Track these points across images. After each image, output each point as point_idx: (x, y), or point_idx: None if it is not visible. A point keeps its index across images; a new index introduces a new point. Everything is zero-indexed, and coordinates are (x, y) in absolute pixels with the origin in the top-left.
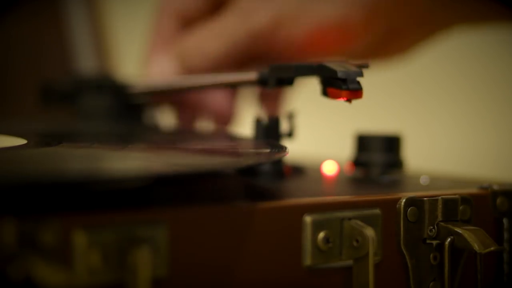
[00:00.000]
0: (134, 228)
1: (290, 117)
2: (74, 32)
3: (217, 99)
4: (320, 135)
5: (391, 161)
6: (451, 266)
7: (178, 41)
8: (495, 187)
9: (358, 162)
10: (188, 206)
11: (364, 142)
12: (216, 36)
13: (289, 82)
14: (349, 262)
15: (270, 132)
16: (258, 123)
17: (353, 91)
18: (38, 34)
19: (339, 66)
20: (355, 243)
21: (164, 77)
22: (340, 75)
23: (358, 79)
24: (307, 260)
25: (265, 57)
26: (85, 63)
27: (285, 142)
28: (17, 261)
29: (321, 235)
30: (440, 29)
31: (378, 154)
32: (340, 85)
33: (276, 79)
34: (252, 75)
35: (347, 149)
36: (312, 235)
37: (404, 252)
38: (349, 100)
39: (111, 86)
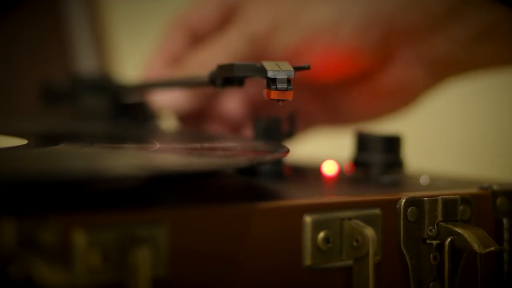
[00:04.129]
0: (134, 228)
1: (291, 117)
2: (74, 32)
3: (231, 106)
4: (320, 135)
5: (391, 161)
6: (451, 266)
7: (185, 59)
8: (495, 187)
9: (358, 162)
10: (188, 206)
11: (364, 142)
12: (218, 50)
13: (238, 82)
14: (349, 262)
15: (270, 133)
16: (258, 123)
17: (281, 92)
18: (38, 34)
19: (274, 66)
20: (355, 243)
21: (171, 97)
22: (269, 74)
23: (289, 79)
24: (307, 260)
25: None
26: (85, 63)
27: (286, 143)
28: (17, 261)
29: (321, 235)
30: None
31: (378, 154)
32: (270, 85)
33: (222, 79)
34: (204, 76)
35: (347, 149)
36: (312, 235)
37: (404, 252)
38: (279, 101)
39: (110, 86)
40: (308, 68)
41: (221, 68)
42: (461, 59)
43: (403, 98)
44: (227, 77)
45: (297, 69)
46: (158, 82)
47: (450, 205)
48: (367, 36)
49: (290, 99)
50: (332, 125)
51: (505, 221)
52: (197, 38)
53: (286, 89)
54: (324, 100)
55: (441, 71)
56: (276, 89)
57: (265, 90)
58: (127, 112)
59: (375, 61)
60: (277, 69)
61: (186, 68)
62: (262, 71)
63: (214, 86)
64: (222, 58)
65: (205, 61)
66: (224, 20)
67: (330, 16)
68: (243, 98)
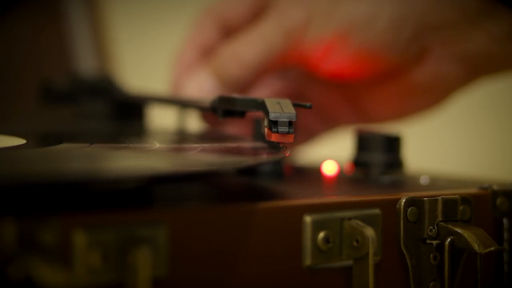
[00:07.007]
0: (134, 228)
1: None
2: (74, 32)
3: None
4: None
5: (391, 161)
6: (451, 266)
7: (218, 48)
8: (495, 187)
9: (358, 162)
10: (188, 206)
11: (364, 142)
12: (252, 42)
13: (239, 114)
14: (349, 262)
15: None
16: (257, 123)
17: (282, 135)
18: (38, 34)
19: (276, 106)
20: (355, 243)
21: (199, 87)
22: (271, 117)
23: (291, 122)
24: (307, 260)
25: (296, 62)
26: (85, 63)
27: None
28: (17, 261)
29: (321, 235)
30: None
31: (378, 154)
32: (271, 127)
33: (223, 110)
34: (206, 102)
35: (347, 149)
36: (312, 235)
37: (404, 252)
38: (280, 143)
39: (110, 87)
40: (310, 107)
41: (223, 100)
42: (496, 56)
43: (435, 96)
44: (228, 109)
45: (297, 106)
46: (160, 98)
47: (450, 205)
48: (400, 32)
49: (291, 142)
50: (359, 125)
51: (505, 221)
52: (228, 31)
53: (287, 133)
54: (352, 99)
55: (475, 68)
56: (277, 132)
57: (266, 130)
58: (128, 113)
59: (407, 58)
60: (279, 111)
61: (219, 57)
62: (263, 108)
63: (215, 115)
64: (256, 49)
65: (239, 51)
66: (256, 14)
67: (365, 10)
68: (275, 92)
